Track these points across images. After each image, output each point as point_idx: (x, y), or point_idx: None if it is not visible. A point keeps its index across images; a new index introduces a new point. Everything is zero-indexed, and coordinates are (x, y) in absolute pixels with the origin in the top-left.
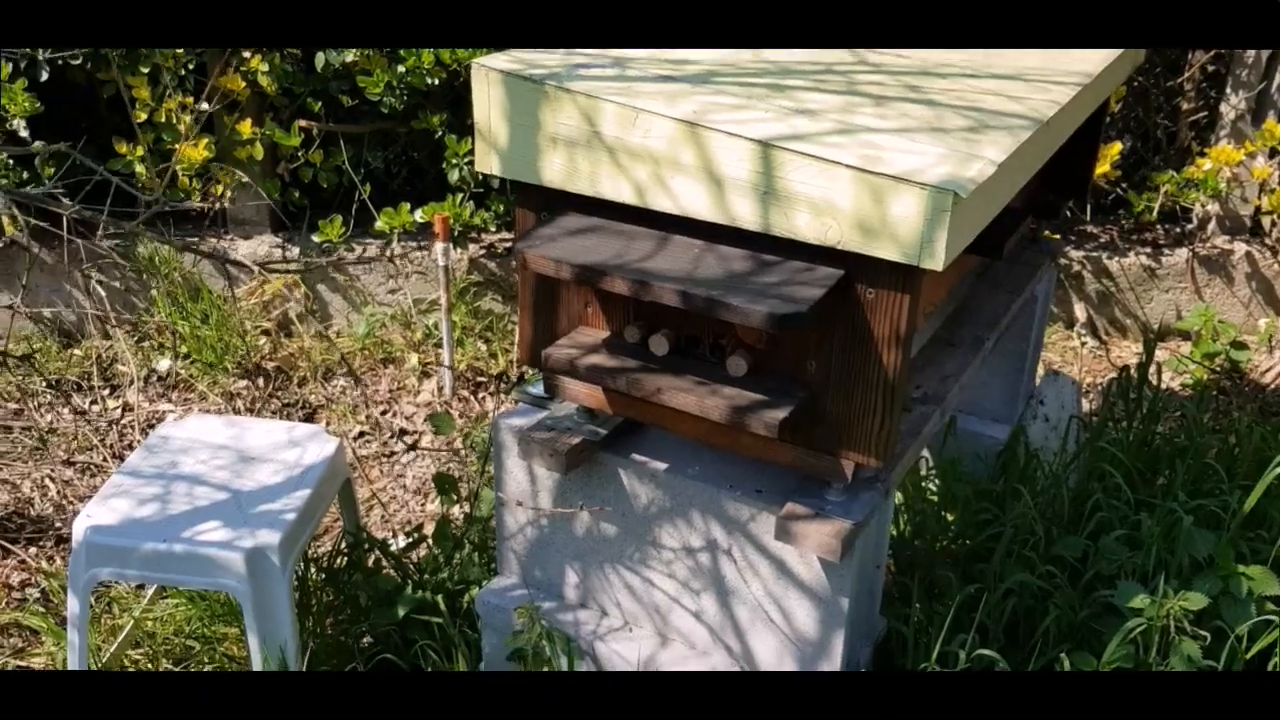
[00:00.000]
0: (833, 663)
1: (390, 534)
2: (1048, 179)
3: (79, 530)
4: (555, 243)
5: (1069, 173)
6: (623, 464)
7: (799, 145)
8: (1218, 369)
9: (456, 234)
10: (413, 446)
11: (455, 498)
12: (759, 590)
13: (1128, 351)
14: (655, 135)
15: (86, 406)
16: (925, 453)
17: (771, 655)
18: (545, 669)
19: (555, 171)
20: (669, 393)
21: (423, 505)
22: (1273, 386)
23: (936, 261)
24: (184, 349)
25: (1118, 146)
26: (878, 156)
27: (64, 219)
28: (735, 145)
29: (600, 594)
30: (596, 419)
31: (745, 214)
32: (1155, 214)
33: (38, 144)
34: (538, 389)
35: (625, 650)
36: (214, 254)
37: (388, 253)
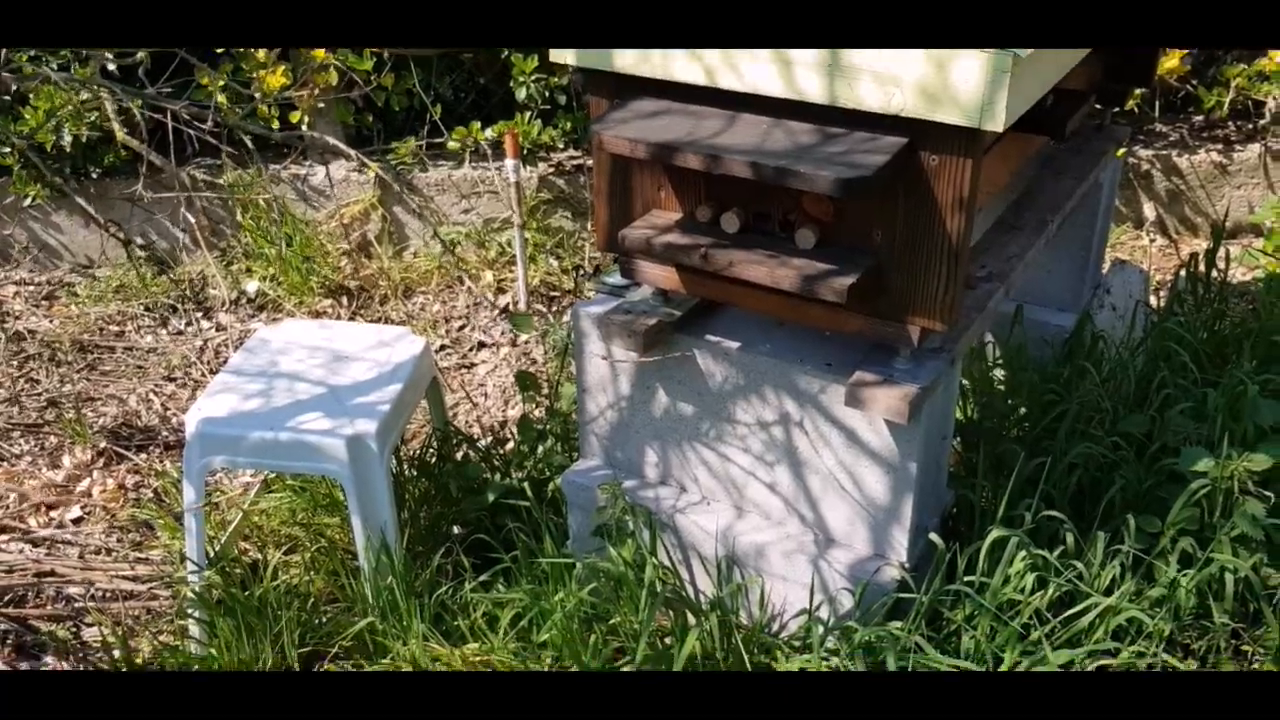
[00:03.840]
0: (903, 527)
1: (476, 436)
2: (1113, 66)
3: (192, 422)
4: (629, 124)
5: (1135, 60)
6: (697, 344)
7: None
8: None
9: (525, 152)
10: (514, 323)
11: (536, 395)
12: (830, 460)
13: (1198, 249)
14: None
15: (183, 327)
16: (992, 339)
17: (843, 522)
18: (629, 542)
19: (628, 57)
20: (741, 265)
21: (503, 411)
22: None
23: (997, 122)
24: (270, 270)
25: None
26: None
27: (167, 113)
28: None
29: (679, 471)
30: (671, 301)
31: (812, 88)
32: (1226, 109)
33: (142, 53)
34: (614, 279)
35: (704, 522)
36: (327, 147)
37: (462, 170)
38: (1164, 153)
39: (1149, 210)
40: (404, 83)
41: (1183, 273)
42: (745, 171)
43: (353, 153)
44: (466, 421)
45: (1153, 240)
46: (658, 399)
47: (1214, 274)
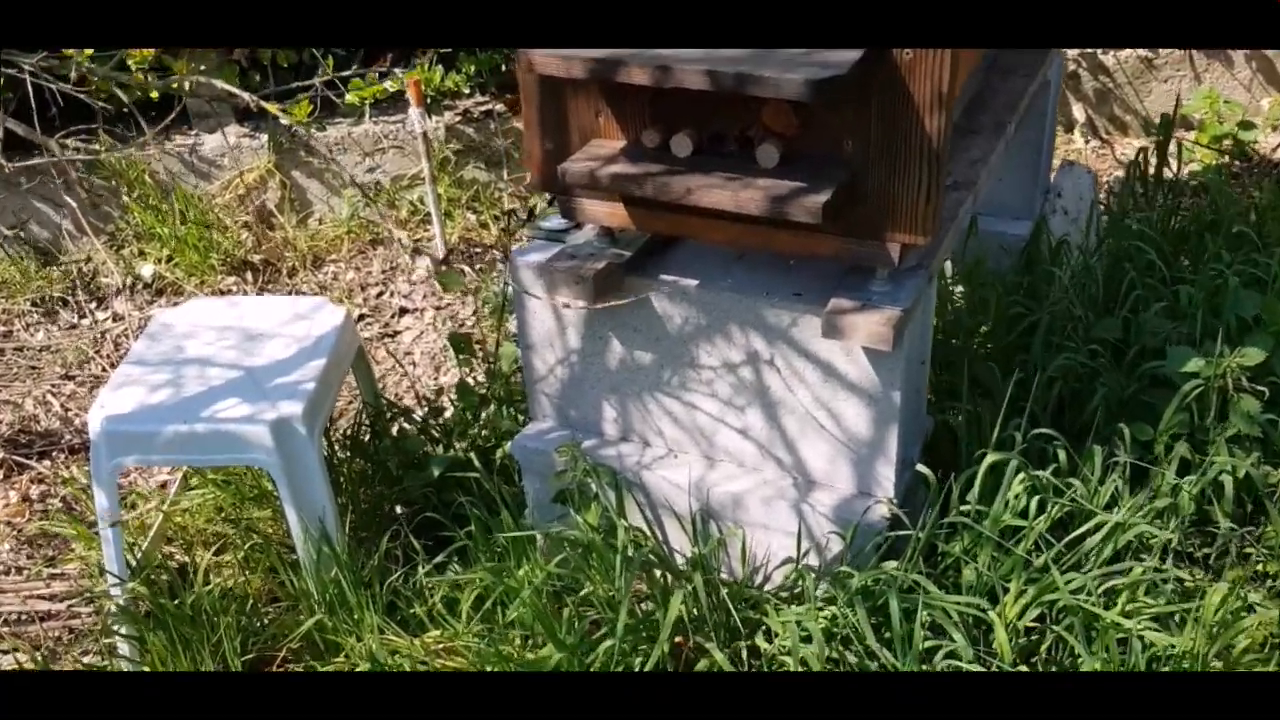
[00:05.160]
0: (888, 461)
1: (410, 408)
2: None
3: (95, 421)
4: None
5: None
6: (652, 285)
7: None
8: (1226, 152)
9: (430, 100)
10: (441, 282)
11: (471, 357)
12: (806, 397)
13: (1130, 148)
14: None
15: (76, 321)
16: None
17: (823, 462)
18: (594, 506)
19: None
20: (700, 192)
21: (435, 378)
22: None
23: None
24: (165, 250)
25: None
26: None
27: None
28: None
29: (641, 425)
30: (619, 242)
31: None
32: None
33: None
34: (551, 223)
35: (674, 475)
36: (216, 94)
37: (363, 126)
38: (1089, 51)
39: (1078, 112)
40: None
41: (1132, 168)
42: (701, 82)
43: (246, 95)
44: (397, 393)
45: (1087, 141)
46: (612, 349)
47: (1165, 168)
